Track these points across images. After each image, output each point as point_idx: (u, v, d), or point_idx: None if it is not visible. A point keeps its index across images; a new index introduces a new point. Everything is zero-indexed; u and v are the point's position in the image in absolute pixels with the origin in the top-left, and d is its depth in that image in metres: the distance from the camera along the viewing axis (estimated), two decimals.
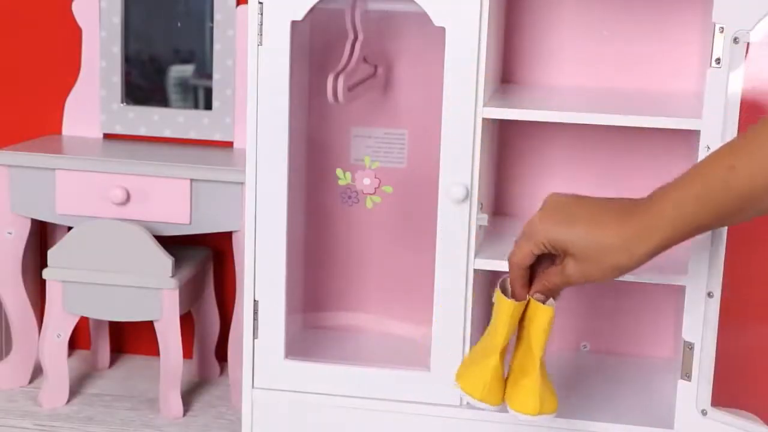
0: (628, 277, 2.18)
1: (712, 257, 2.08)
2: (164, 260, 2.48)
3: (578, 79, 2.53)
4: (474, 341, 2.36)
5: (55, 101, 2.84)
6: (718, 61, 2.01)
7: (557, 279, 1.42)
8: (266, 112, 2.20)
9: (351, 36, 2.35)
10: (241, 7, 2.68)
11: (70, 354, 2.91)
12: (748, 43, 1.98)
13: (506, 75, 2.54)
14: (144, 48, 2.78)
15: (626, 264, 1.32)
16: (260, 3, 2.16)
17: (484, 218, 2.27)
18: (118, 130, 2.79)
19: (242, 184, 2.46)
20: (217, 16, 2.70)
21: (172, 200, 2.51)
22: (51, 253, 2.51)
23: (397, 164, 2.53)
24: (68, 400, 2.63)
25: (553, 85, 2.54)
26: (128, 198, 2.52)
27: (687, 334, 2.14)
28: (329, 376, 2.30)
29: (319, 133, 2.56)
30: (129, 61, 2.77)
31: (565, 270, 1.38)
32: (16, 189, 2.56)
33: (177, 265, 2.55)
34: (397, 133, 2.54)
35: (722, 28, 1.99)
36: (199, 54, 2.76)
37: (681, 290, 2.26)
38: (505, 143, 2.57)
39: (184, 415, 2.58)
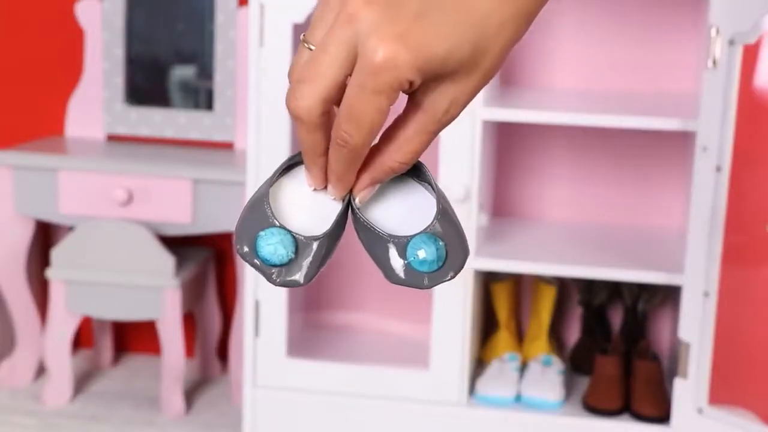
0: (626, 277, 2.21)
1: (708, 257, 2.10)
2: (166, 260, 2.49)
3: (577, 82, 2.54)
4: (474, 341, 2.38)
5: (58, 102, 2.86)
6: (714, 62, 2.03)
7: (426, 131, 0.70)
8: (267, 113, 2.22)
9: None
10: (243, 8, 2.70)
11: (73, 353, 2.93)
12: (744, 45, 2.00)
13: (506, 77, 2.56)
14: (146, 49, 2.80)
15: (516, 36, 0.70)
16: (261, 5, 2.18)
17: (484, 218, 2.29)
18: (121, 130, 2.81)
19: (243, 184, 2.48)
20: (218, 18, 2.72)
21: (174, 200, 2.53)
22: (54, 253, 2.53)
23: None
24: (71, 399, 2.65)
25: (552, 88, 2.56)
26: (130, 198, 2.53)
27: (683, 333, 2.16)
28: (330, 375, 2.32)
29: None
30: (131, 62, 2.79)
31: (439, 104, 0.69)
32: (20, 189, 2.58)
33: (179, 264, 2.57)
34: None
35: (719, 30, 2.01)
36: (200, 55, 2.77)
37: (678, 288, 2.28)
38: (505, 144, 2.59)
39: (186, 413, 2.60)
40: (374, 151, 0.70)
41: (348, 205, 0.69)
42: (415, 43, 0.65)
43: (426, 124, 0.69)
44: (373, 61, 0.66)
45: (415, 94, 0.69)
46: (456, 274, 0.67)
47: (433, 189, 0.70)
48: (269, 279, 0.66)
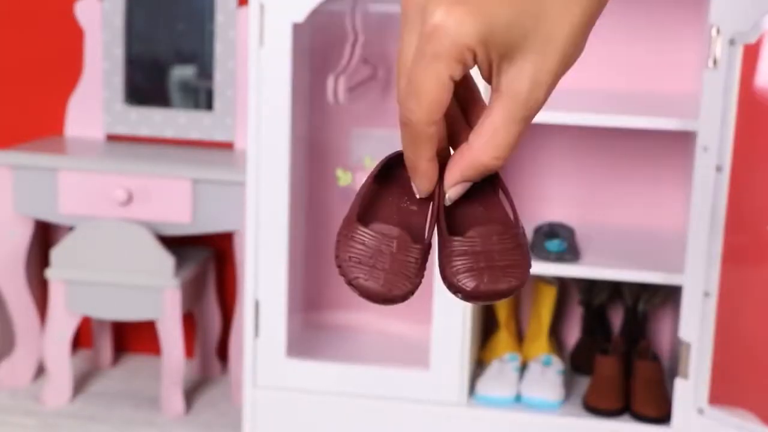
0: (626, 277, 2.21)
1: (708, 257, 2.10)
2: (166, 260, 2.49)
3: (577, 82, 2.54)
4: (474, 341, 2.38)
5: (57, 102, 2.86)
6: (715, 62, 2.03)
7: (513, 118, 0.66)
8: (267, 112, 2.22)
9: (351, 37, 2.37)
10: (243, 8, 2.70)
11: (72, 353, 2.93)
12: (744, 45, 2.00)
13: None
14: (146, 49, 2.80)
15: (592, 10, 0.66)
16: (261, 5, 2.18)
17: None
18: (121, 130, 2.81)
19: (243, 184, 2.48)
20: (218, 18, 2.72)
21: (174, 200, 2.53)
22: (54, 253, 2.53)
23: None
24: (71, 399, 2.65)
25: None
26: (130, 198, 2.53)
27: (684, 334, 2.16)
28: (330, 375, 2.32)
29: (320, 133, 2.58)
30: (131, 62, 2.79)
31: (518, 85, 0.65)
32: (19, 189, 2.58)
33: (178, 264, 2.57)
34: (397, 133, 2.56)
35: (719, 30, 2.01)
36: (200, 55, 2.77)
37: (679, 288, 2.28)
38: None
39: (186, 413, 2.60)
40: (465, 148, 0.66)
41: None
42: (476, 7, 0.62)
43: (511, 110, 0.65)
44: (430, 23, 0.63)
45: (494, 80, 0.65)
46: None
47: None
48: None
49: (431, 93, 0.64)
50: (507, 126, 0.65)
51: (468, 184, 0.67)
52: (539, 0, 0.63)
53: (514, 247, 0.65)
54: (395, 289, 0.63)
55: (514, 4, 0.62)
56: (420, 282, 0.64)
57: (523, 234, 0.66)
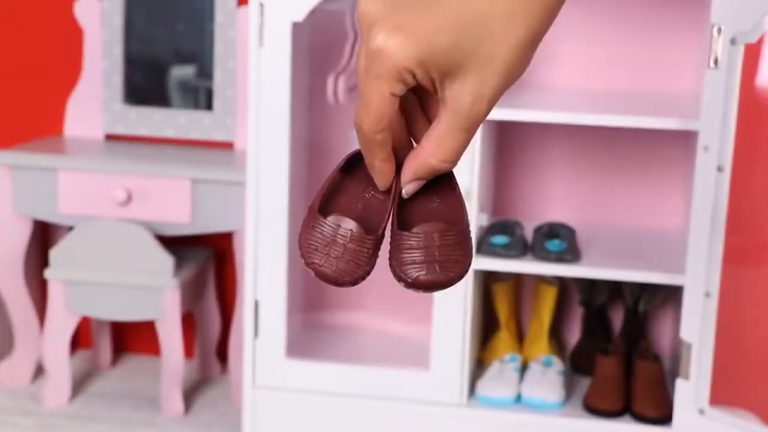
0: (627, 277, 2.21)
1: (709, 257, 2.10)
2: (165, 260, 2.49)
3: (578, 81, 2.54)
4: (474, 341, 2.38)
5: (57, 102, 2.85)
6: (716, 62, 2.02)
7: (458, 128, 0.71)
8: (267, 112, 2.22)
9: (351, 37, 2.37)
10: (242, 8, 2.69)
11: (72, 353, 2.93)
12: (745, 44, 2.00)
13: None
14: (145, 49, 2.79)
15: (526, 33, 0.69)
16: (261, 4, 2.18)
17: (484, 218, 2.29)
18: (120, 130, 2.80)
19: (243, 184, 2.47)
20: (218, 18, 2.72)
21: (174, 200, 2.52)
22: (53, 253, 2.53)
23: None
24: (70, 399, 2.64)
25: (552, 87, 2.55)
26: (130, 198, 2.53)
27: (685, 334, 2.15)
28: (330, 375, 2.31)
29: (320, 133, 2.57)
30: (130, 62, 2.79)
31: (461, 100, 0.69)
32: (19, 189, 2.58)
33: (178, 264, 2.56)
34: None
35: (720, 29, 2.00)
36: (200, 55, 2.77)
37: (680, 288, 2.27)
38: (506, 144, 2.59)
39: (186, 413, 2.60)
40: (418, 150, 0.73)
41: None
42: (416, 33, 0.67)
43: (455, 121, 0.70)
44: (373, 46, 0.68)
45: (439, 93, 0.70)
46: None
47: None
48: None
49: (376, 106, 0.70)
50: (452, 134, 0.71)
51: (422, 181, 0.73)
52: (481, 23, 0.67)
53: (456, 243, 0.71)
54: (345, 275, 0.71)
55: (454, 30, 0.67)
56: (370, 269, 0.72)
57: (467, 230, 0.73)
